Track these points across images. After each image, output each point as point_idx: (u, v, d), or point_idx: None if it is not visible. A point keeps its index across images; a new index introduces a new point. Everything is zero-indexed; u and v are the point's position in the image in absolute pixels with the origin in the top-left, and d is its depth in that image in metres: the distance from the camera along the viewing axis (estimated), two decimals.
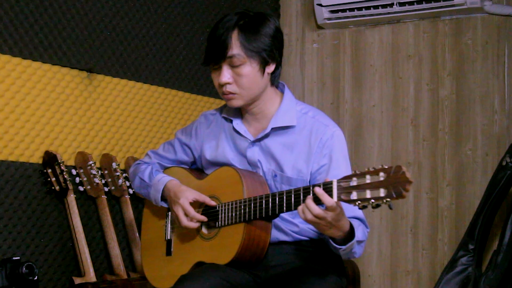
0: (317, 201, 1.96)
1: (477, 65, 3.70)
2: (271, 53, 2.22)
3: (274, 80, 2.29)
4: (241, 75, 2.20)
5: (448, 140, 3.76)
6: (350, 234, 2.06)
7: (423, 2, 3.71)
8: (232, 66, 2.20)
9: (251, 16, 2.23)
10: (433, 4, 3.70)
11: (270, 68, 2.24)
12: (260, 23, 2.22)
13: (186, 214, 2.30)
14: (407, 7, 3.77)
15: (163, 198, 2.42)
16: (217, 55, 2.20)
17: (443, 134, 3.77)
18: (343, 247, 2.06)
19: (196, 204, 2.34)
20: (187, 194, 2.32)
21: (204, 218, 2.30)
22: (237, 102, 2.26)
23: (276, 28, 2.25)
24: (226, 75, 2.21)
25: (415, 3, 3.74)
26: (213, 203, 2.29)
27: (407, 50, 3.90)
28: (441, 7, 3.69)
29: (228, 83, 2.22)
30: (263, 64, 2.22)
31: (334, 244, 2.07)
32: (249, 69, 2.20)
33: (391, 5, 3.80)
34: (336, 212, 1.95)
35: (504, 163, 3.36)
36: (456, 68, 3.76)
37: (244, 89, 2.22)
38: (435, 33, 3.82)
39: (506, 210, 3.38)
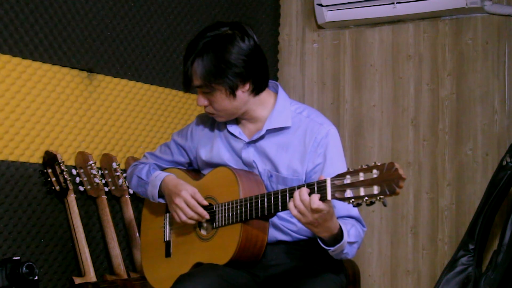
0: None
1: (477, 65, 3.70)
2: (239, 77, 2.17)
3: (258, 91, 2.25)
4: (212, 100, 2.23)
5: (448, 140, 3.75)
6: (340, 236, 2.05)
7: (423, 2, 3.71)
8: (203, 92, 2.23)
9: (216, 41, 2.16)
10: (433, 4, 3.69)
11: (244, 88, 2.21)
12: (223, 49, 2.15)
13: (189, 206, 2.30)
14: (407, 7, 3.76)
15: (161, 194, 2.42)
16: (185, 84, 2.26)
17: (443, 134, 3.77)
18: (331, 248, 2.06)
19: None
20: (187, 187, 2.32)
21: (204, 213, 2.29)
22: (220, 119, 2.31)
23: (247, 48, 2.17)
24: (201, 99, 2.26)
25: (415, 3, 3.73)
26: (205, 202, 2.30)
27: (407, 50, 3.89)
28: (441, 7, 3.68)
29: (205, 106, 2.26)
30: (232, 89, 2.19)
31: (323, 245, 2.07)
32: (218, 95, 2.21)
33: (391, 5, 3.80)
34: (322, 213, 1.95)
35: (504, 163, 3.35)
36: (456, 68, 3.76)
37: (220, 110, 2.25)
38: (435, 33, 3.81)
39: (506, 210, 3.38)
